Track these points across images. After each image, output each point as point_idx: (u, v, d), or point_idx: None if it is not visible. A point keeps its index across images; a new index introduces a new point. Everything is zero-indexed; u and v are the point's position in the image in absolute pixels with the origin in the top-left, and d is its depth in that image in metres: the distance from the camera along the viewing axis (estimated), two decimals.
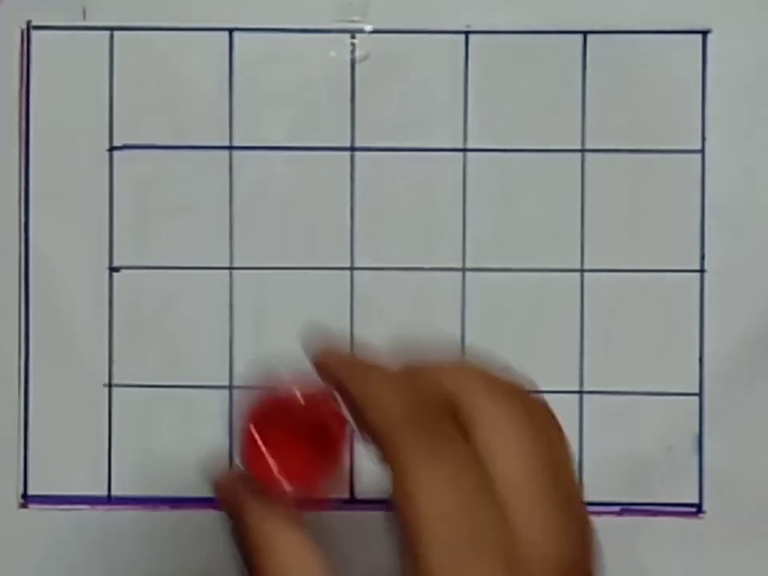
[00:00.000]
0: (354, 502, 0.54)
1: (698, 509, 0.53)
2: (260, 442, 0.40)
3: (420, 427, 0.38)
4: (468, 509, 0.37)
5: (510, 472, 0.38)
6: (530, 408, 0.39)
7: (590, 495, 0.54)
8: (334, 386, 0.41)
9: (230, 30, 0.54)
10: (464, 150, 0.54)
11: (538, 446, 0.38)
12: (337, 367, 0.42)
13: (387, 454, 0.39)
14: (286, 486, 0.40)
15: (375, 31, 0.54)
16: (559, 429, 0.40)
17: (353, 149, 0.54)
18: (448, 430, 0.38)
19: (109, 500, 0.54)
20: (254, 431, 0.40)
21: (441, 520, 0.38)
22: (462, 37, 0.54)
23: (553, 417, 0.40)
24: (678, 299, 0.53)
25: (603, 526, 0.54)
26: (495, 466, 0.37)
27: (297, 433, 0.41)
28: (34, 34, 0.53)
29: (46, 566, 0.54)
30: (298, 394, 0.41)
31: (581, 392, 0.53)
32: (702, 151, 0.53)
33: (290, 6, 0.54)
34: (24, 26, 0.52)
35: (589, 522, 0.41)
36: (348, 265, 0.54)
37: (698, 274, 0.53)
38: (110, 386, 0.54)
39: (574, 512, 0.40)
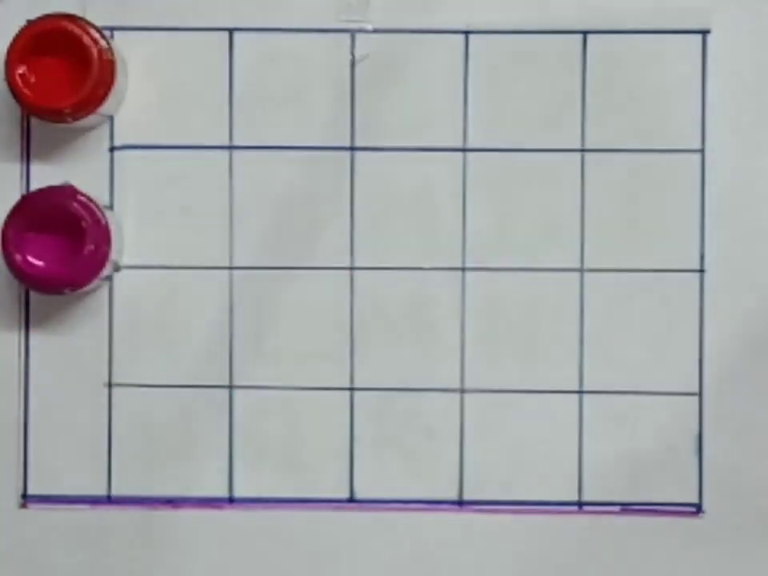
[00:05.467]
0: (354, 501, 0.54)
1: (697, 509, 0.53)
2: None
3: None
4: None
5: None
6: None
7: (590, 495, 0.54)
8: None
9: (230, 30, 0.54)
10: (464, 150, 0.54)
11: None
12: None
13: None
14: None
15: (375, 31, 0.54)
16: None
17: (353, 149, 0.54)
18: None
19: (109, 500, 0.54)
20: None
21: None
22: (462, 37, 0.54)
23: None
24: (678, 299, 0.53)
25: (603, 525, 0.54)
26: None
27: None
28: None
29: (46, 565, 0.54)
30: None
31: (581, 392, 0.53)
32: (702, 151, 0.53)
33: (289, 6, 0.54)
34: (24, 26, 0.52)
35: None
36: (348, 265, 0.54)
37: (697, 274, 0.53)
38: (110, 385, 0.54)
39: None
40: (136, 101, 0.54)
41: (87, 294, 0.53)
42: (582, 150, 0.54)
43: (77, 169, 0.54)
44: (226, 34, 0.54)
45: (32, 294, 0.53)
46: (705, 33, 0.53)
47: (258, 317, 0.54)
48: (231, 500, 0.54)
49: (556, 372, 0.54)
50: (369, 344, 0.54)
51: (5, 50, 0.51)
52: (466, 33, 0.54)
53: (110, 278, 0.54)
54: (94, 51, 0.50)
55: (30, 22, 0.51)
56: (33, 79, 0.50)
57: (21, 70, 0.50)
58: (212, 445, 0.54)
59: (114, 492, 0.54)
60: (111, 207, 0.54)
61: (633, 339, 0.53)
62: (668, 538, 0.53)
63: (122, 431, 0.54)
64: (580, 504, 0.53)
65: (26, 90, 0.50)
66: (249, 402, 0.54)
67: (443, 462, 0.54)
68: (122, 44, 0.53)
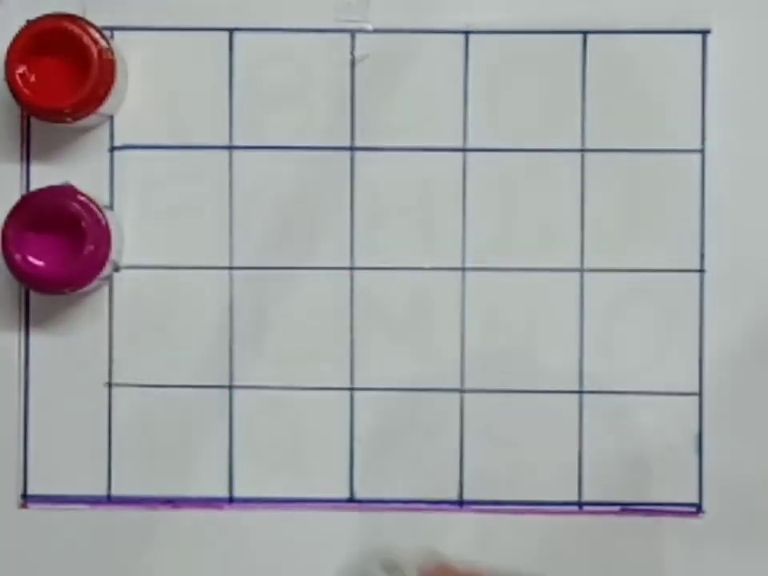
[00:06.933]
0: (353, 501, 0.54)
1: (697, 509, 0.53)
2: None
3: None
4: None
5: None
6: None
7: (590, 495, 0.54)
8: None
9: (230, 30, 0.54)
10: (464, 150, 0.54)
11: None
12: None
13: None
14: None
15: (375, 31, 0.54)
16: None
17: (353, 149, 0.54)
18: None
19: (109, 500, 0.54)
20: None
21: None
22: (462, 37, 0.54)
23: None
24: (678, 299, 0.53)
25: (603, 525, 0.54)
26: None
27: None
28: None
29: (46, 565, 0.54)
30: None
31: (581, 392, 0.53)
32: (702, 151, 0.53)
33: (290, 6, 0.54)
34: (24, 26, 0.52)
35: None
36: (348, 265, 0.54)
37: (697, 274, 0.53)
38: (110, 385, 0.54)
39: None
40: (136, 101, 0.54)
41: (87, 293, 0.53)
42: (582, 150, 0.54)
43: (77, 169, 0.54)
44: (225, 34, 0.54)
45: (32, 294, 0.54)
46: (705, 33, 0.53)
47: (258, 317, 0.54)
48: (231, 500, 0.54)
49: (556, 372, 0.54)
50: (369, 344, 0.54)
51: (5, 50, 0.51)
52: (466, 33, 0.54)
53: (109, 278, 0.54)
54: (94, 51, 0.50)
55: (29, 22, 0.51)
56: (33, 79, 0.50)
57: (21, 69, 0.50)
58: (212, 445, 0.54)
59: (114, 492, 0.54)
60: (111, 207, 0.54)
61: (633, 339, 0.53)
62: (668, 538, 0.53)
63: (122, 431, 0.54)
64: (580, 504, 0.53)
65: (26, 90, 0.50)
66: (249, 402, 0.54)
67: (443, 461, 0.54)
68: (121, 44, 0.53)
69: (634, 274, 0.53)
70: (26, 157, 0.54)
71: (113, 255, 0.52)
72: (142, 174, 0.54)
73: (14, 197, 0.52)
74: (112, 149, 0.54)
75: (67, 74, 0.50)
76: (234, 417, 0.54)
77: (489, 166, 0.54)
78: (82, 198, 0.51)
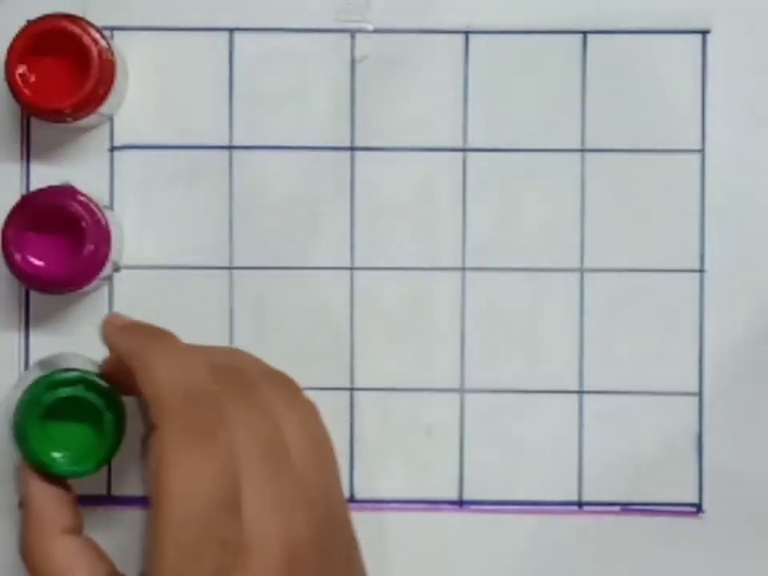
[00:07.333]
0: (354, 501, 0.54)
1: (697, 509, 0.53)
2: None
3: (188, 413, 0.42)
4: (207, 497, 0.41)
5: (250, 463, 0.42)
6: (273, 400, 0.45)
7: (590, 495, 0.54)
8: (114, 350, 0.47)
9: (230, 30, 0.54)
10: (464, 150, 0.54)
11: (273, 435, 0.43)
12: (120, 332, 0.47)
13: (154, 426, 0.42)
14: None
15: (375, 31, 0.54)
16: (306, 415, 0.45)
17: (353, 149, 0.54)
18: (209, 421, 0.42)
19: (109, 500, 0.54)
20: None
21: (183, 507, 0.41)
22: (462, 37, 0.54)
23: (310, 410, 0.46)
24: (678, 299, 0.53)
25: (603, 525, 0.54)
26: (240, 458, 0.41)
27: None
28: None
29: None
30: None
31: (581, 392, 0.53)
32: (702, 151, 0.53)
33: (289, 6, 0.54)
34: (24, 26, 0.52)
35: (329, 500, 0.44)
36: (348, 265, 0.54)
37: (697, 274, 0.53)
38: None
39: (299, 487, 0.43)
40: (136, 101, 0.54)
41: (87, 293, 0.53)
42: (582, 150, 0.54)
43: (77, 169, 0.54)
44: (226, 34, 0.54)
45: (32, 293, 0.54)
46: (705, 33, 0.53)
47: (258, 317, 0.54)
48: None
49: (556, 372, 0.54)
50: (369, 344, 0.54)
51: (5, 50, 0.51)
52: (466, 33, 0.54)
53: (110, 278, 0.54)
54: (94, 51, 0.50)
55: (30, 21, 0.51)
56: (33, 79, 0.50)
57: (21, 70, 0.50)
58: None
59: (114, 492, 0.54)
60: (111, 207, 0.54)
61: (633, 339, 0.53)
62: (668, 538, 0.53)
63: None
64: (580, 504, 0.53)
65: (25, 90, 0.50)
66: None
67: (443, 461, 0.54)
68: (121, 44, 0.53)
69: (634, 274, 0.53)
70: (26, 157, 0.54)
71: (113, 255, 0.52)
72: (142, 173, 0.54)
73: (14, 197, 0.52)
74: (112, 149, 0.54)
75: (67, 73, 0.50)
76: None
77: (489, 166, 0.54)
78: (82, 198, 0.51)
